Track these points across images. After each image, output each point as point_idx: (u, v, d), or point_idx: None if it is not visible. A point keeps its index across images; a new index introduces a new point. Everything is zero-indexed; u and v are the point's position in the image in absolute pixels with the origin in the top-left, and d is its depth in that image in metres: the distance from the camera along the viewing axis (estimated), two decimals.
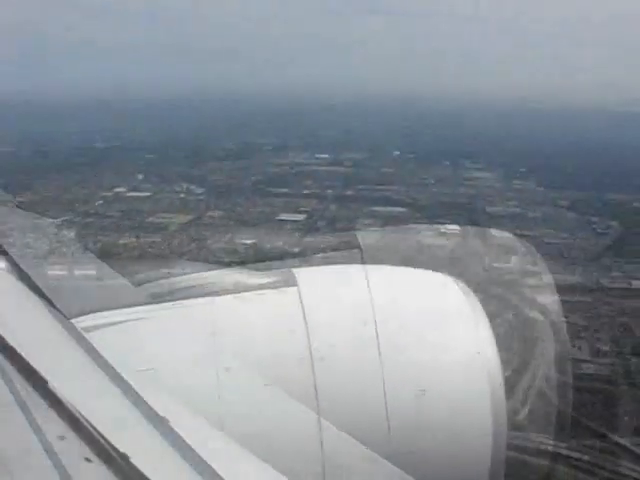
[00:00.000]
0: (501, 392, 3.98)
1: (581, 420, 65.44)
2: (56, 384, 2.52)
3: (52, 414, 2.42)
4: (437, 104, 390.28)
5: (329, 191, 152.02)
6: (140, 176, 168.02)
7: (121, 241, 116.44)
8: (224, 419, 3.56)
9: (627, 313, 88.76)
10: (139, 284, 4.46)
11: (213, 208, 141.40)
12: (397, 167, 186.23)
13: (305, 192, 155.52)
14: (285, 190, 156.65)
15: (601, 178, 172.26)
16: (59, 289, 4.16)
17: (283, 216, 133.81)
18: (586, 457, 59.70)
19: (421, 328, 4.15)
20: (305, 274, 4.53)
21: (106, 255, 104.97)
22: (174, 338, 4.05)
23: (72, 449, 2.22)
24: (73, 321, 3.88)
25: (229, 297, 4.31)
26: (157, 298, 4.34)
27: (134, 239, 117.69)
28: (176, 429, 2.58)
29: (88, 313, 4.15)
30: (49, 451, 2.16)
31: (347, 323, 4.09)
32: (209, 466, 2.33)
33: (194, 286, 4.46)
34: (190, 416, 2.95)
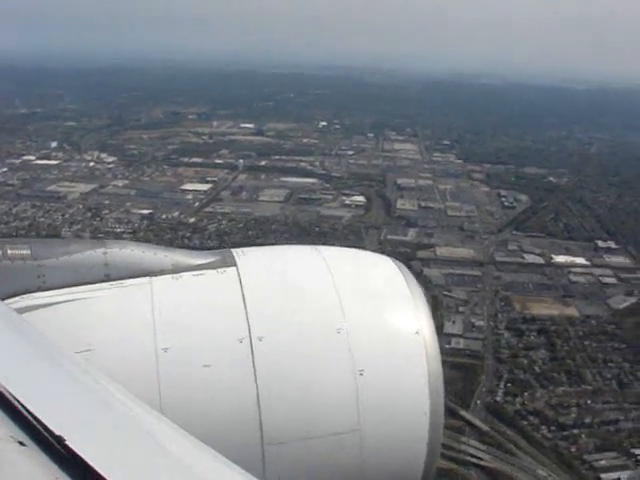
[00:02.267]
0: (439, 371, 3.93)
1: None
2: None
3: None
4: (374, 77, 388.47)
5: (241, 161, 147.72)
6: (54, 144, 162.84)
7: (14, 209, 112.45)
8: (163, 400, 3.59)
9: (513, 287, 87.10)
10: (72, 262, 4.23)
11: (120, 177, 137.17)
12: (320, 138, 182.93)
13: (217, 162, 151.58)
14: (198, 160, 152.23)
15: (523, 152, 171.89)
16: None
17: (187, 186, 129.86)
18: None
19: (360, 307, 4.05)
20: (244, 255, 4.45)
21: None
22: (112, 319, 3.94)
23: (4, 432, 2.09)
24: (6, 302, 3.92)
25: (167, 277, 4.21)
26: (94, 277, 4.21)
27: (29, 207, 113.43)
28: (114, 410, 2.60)
29: (21, 294, 4.08)
30: None
31: (286, 303, 4.01)
32: (147, 447, 2.32)
33: (131, 266, 4.28)
34: (128, 397, 2.89)
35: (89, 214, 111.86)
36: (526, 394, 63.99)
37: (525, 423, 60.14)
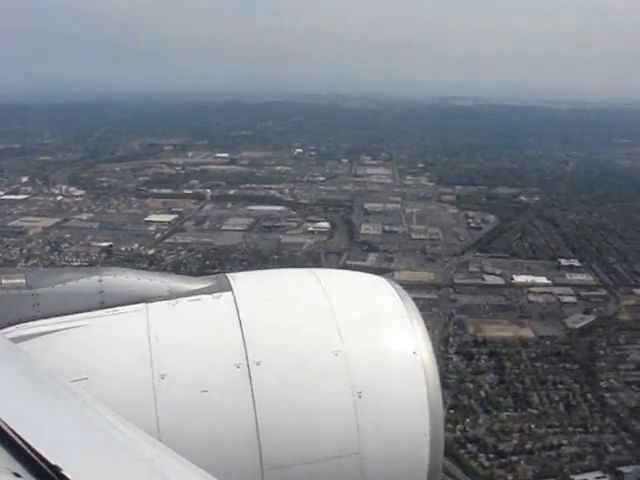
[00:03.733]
0: (438, 391, 3.93)
1: None
2: None
3: None
4: (356, 103, 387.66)
5: (208, 191, 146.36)
6: (24, 178, 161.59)
7: None
8: (161, 427, 3.58)
9: (468, 310, 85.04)
10: (67, 290, 4.21)
11: (85, 210, 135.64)
12: (293, 165, 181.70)
13: (186, 192, 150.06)
14: (167, 191, 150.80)
15: (497, 173, 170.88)
16: None
17: (152, 217, 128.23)
18: None
19: (358, 330, 4.04)
20: (240, 279, 4.45)
21: None
22: (108, 346, 3.91)
23: None
24: (1, 332, 3.94)
25: (163, 303, 4.22)
26: (89, 305, 4.18)
27: None
28: (111, 439, 2.60)
29: (16, 323, 4.06)
30: None
31: (283, 327, 4.01)
32: (145, 474, 2.35)
33: (127, 293, 4.26)
34: (125, 425, 2.89)
35: (48, 248, 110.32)
36: (468, 420, 61.76)
37: (463, 451, 57.71)
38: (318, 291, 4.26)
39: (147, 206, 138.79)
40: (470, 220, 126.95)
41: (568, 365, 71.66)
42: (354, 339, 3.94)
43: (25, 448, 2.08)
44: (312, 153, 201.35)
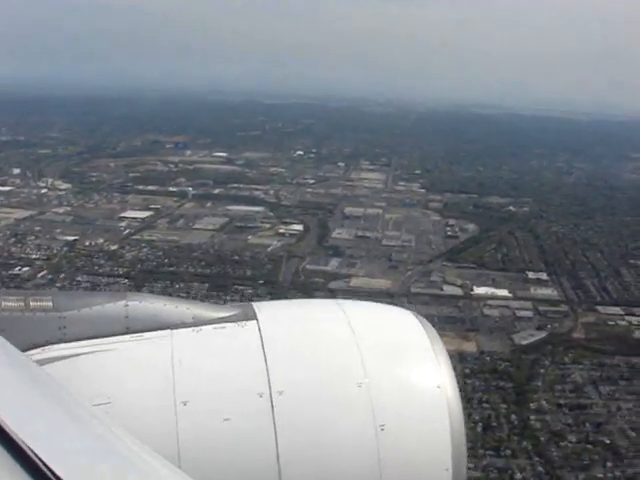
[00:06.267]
0: (461, 426, 3.86)
1: None
2: (6, 418, 2.34)
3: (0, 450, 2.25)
4: (372, 107, 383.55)
5: (190, 189, 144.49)
6: (16, 170, 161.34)
7: None
8: (182, 454, 3.57)
9: None
10: (93, 315, 4.20)
11: (64, 204, 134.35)
12: (289, 167, 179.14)
13: (171, 190, 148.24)
14: (153, 187, 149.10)
15: (492, 182, 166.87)
16: (9, 320, 4.05)
17: (127, 213, 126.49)
18: None
19: (382, 362, 3.99)
20: (265, 308, 4.45)
21: None
22: (132, 371, 3.93)
23: None
24: (27, 353, 3.90)
25: (188, 330, 4.22)
26: (115, 330, 4.18)
27: None
28: (131, 465, 2.61)
29: (42, 345, 4.06)
30: None
31: (306, 357, 4.00)
32: None
33: (152, 318, 4.24)
34: (146, 451, 2.88)
35: (12, 240, 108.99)
36: None
37: None
38: (342, 322, 4.17)
39: (127, 202, 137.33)
40: (448, 228, 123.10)
41: (502, 383, 67.87)
42: (378, 371, 3.87)
43: (45, 470, 2.05)
44: (312, 156, 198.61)
